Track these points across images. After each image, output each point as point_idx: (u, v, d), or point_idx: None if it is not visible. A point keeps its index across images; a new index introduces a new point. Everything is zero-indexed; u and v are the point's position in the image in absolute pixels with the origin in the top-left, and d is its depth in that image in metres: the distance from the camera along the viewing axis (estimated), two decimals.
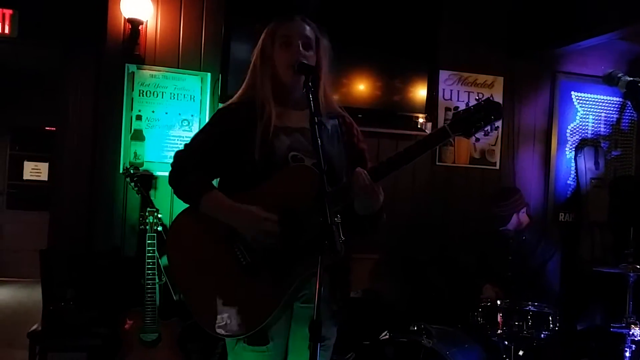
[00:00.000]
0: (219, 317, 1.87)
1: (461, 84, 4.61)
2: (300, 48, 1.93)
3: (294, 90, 1.97)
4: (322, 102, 1.96)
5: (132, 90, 3.99)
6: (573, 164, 4.96)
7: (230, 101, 2.05)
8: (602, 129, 5.07)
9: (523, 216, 3.76)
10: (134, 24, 3.92)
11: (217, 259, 1.89)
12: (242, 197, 1.88)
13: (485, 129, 1.88)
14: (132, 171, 3.79)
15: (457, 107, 4.05)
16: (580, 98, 5.00)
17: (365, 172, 1.81)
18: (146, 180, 3.89)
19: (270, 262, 1.84)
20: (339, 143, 2.01)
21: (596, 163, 4.93)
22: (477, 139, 4.64)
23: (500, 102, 4.67)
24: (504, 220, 3.72)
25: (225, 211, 1.88)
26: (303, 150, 1.93)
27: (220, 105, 3.93)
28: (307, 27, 1.97)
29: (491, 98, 1.86)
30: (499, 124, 4.68)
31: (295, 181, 1.87)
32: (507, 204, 3.72)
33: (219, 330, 1.90)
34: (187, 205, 2.01)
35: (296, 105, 1.99)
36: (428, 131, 1.69)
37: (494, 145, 4.73)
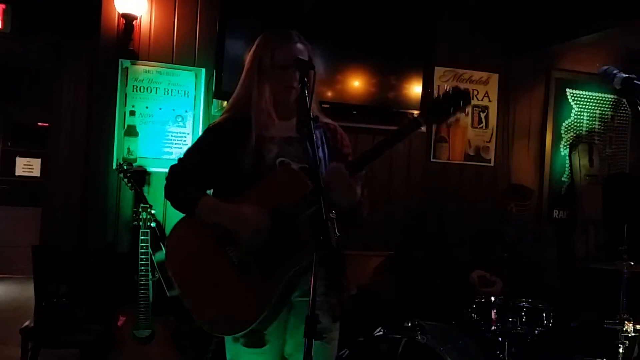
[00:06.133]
0: (215, 316, 1.94)
1: (456, 81, 4.60)
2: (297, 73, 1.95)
3: (284, 104, 2.03)
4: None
5: (126, 85, 3.96)
6: (567, 161, 4.97)
7: (220, 118, 2.11)
8: (596, 126, 5.09)
9: None
10: (128, 19, 3.90)
11: (211, 261, 1.96)
12: (233, 202, 1.95)
13: (459, 113, 1.90)
14: (125, 167, 3.77)
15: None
16: (575, 95, 5.01)
17: (342, 165, 1.85)
18: (139, 176, 3.87)
19: (259, 261, 1.90)
20: (324, 150, 2.07)
21: (590, 160, 4.94)
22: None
23: (496, 99, 4.71)
24: (516, 220, 3.69)
25: (218, 214, 1.95)
26: (290, 156, 1.99)
27: (215, 102, 3.99)
28: (303, 49, 2.02)
29: (460, 88, 1.88)
30: (492, 119, 4.68)
31: (281, 183, 1.94)
32: (527, 205, 3.70)
33: (216, 330, 1.98)
34: None
35: (283, 116, 2.05)
36: (423, 128, 1.69)
37: (489, 142, 4.72)
